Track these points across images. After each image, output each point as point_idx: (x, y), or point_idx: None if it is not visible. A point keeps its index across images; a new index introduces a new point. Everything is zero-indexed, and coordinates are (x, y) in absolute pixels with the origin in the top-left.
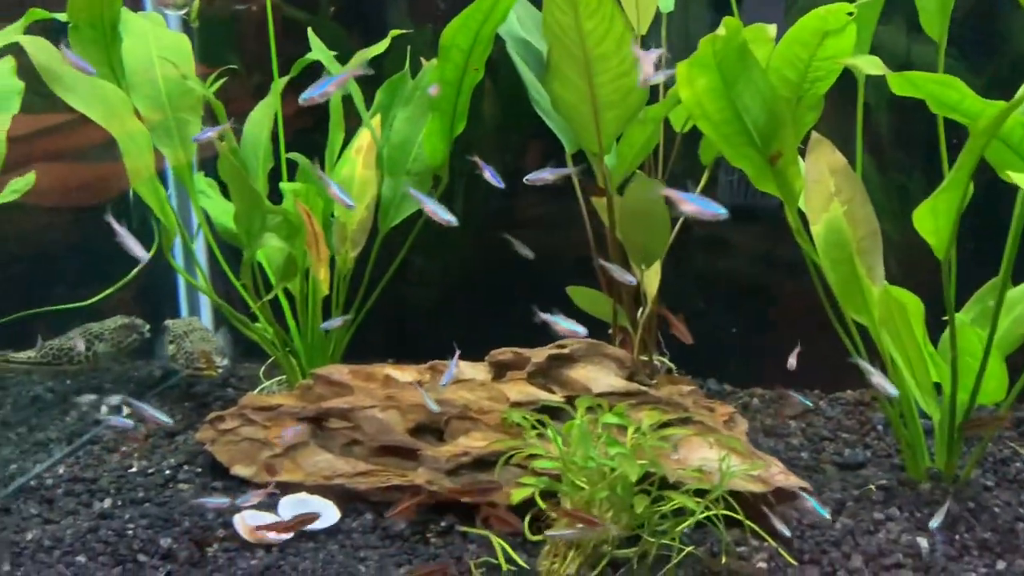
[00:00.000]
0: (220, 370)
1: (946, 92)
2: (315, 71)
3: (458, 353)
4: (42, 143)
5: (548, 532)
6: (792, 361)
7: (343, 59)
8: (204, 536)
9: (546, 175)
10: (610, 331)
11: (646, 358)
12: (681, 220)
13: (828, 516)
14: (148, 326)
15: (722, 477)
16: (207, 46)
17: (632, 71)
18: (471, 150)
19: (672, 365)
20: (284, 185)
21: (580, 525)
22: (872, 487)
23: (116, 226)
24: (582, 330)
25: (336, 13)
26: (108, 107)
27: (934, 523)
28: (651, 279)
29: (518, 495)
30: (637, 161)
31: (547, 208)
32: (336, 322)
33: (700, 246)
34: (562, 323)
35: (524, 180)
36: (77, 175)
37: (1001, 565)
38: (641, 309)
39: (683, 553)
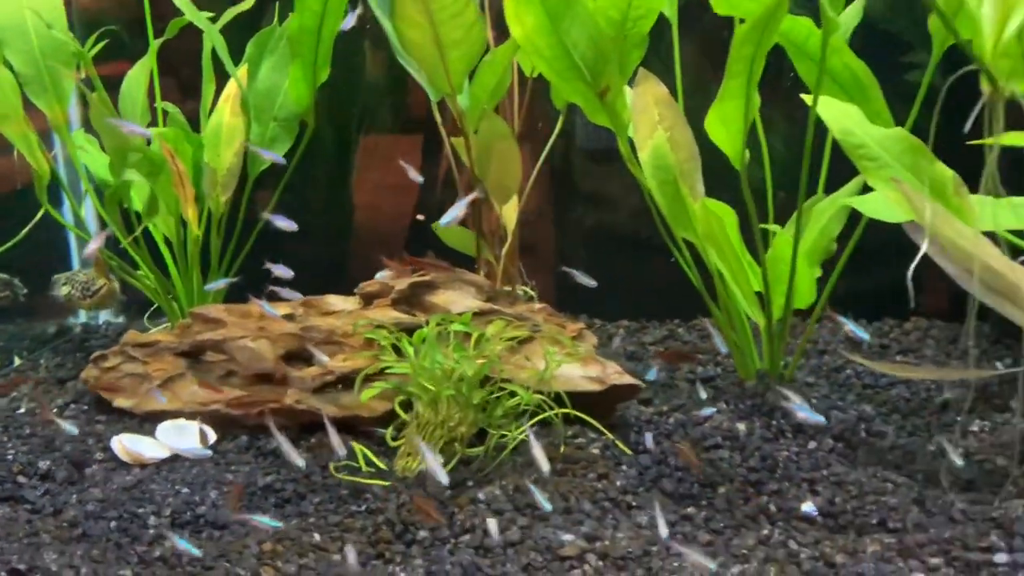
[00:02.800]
0: (115, 281)
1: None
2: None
3: None
4: None
5: None
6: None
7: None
8: (83, 457)
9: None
10: (476, 265)
11: (509, 288)
12: (542, 162)
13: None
14: (26, 290)
15: (546, 368)
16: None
17: (467, 8)
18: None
19: (533, 294)
20: (152, 129)
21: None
22: (701, 391)
23: None
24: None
25: None
26: None
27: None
28: (509, 214)
29: (366, 395)
30: (492, 102)
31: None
32: (220, 283)
33: (570, 193)
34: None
35: None
36: None
37: (812, 445)
38: (504, 243)
39: (516, 440)
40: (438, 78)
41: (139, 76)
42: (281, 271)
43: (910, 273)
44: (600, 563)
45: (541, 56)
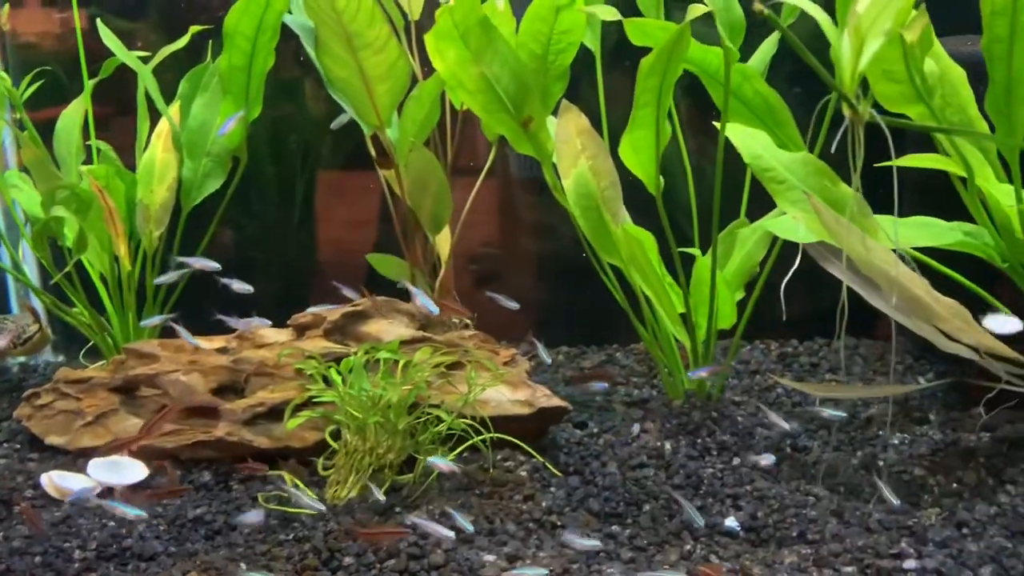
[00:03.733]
0: (48, 328)
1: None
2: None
3: None
4: None
5: None
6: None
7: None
8: (11, 495)
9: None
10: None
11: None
12: (475, 193)
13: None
14: None
15: (470, 392)
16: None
17: (389, 43)
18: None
19: (469, 321)
20: (83, 168)
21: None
22: (618, 407)
23: None
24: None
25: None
26: None
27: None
28: (443, 243)
29: (291, 424)
30: (421, 135)
31: (350, 185)
32: (155, 319)
33: (513, 224)
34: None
35: None
36: None
37: (736, 461)
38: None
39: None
40: (366, 112)
41: (73, 115)
42: (257, 322)
43: (783, 285)
44: None
45: (465, 89)
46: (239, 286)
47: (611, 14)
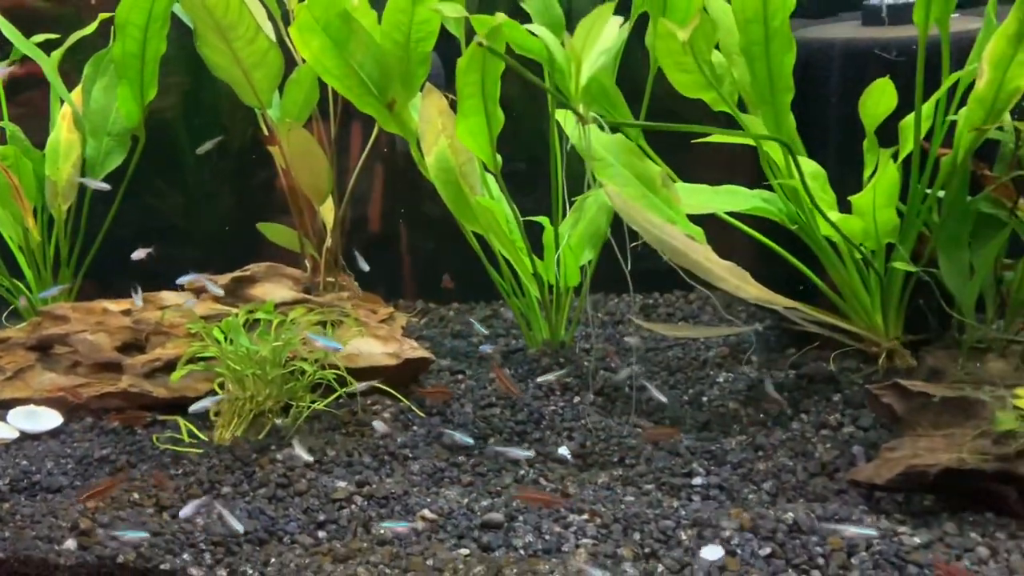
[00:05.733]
0: None
1: (514, 34)
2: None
3: None
4: None
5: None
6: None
7: None
8: None
9: None
10: (305, 260)
11: (332, 279)
12: (361, 164)
13: None
14: None
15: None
16: None
17: (258, 36)
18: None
19: (356, 284)
20: None
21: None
22: (496, 357)
23: None
24: None
25: None
26: None
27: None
28: (327, 213)
29: (176, 376)
30: (303, 114)
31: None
32: (53, 291)
33: (409, 193)
34: None
35: None
36: None
37: (576, 400)
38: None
39: (311, 408)
40: (247, 95)
41: None
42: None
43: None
44: (365, 502)
45: (331, 75)
46: (137, 253)
47: (457, 11)
